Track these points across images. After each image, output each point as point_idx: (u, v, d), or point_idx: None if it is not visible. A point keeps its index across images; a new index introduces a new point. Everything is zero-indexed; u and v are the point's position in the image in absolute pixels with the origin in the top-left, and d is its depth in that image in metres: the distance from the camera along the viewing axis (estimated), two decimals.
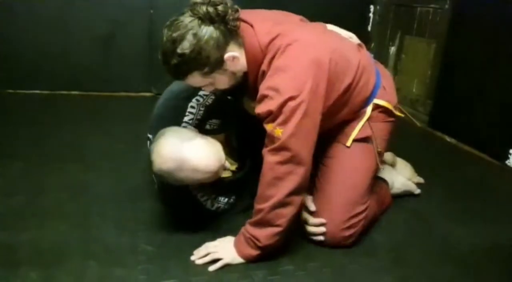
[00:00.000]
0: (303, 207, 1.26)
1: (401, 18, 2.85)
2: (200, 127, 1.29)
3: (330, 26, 1.36)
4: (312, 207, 1.26)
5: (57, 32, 2.62)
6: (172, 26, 1.05)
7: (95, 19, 2.65)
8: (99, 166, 1.72)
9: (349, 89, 1.20)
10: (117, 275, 1.08)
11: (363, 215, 1.24)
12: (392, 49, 2.93)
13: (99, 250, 1.18)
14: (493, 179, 1.91)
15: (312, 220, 1.25)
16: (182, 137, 1.13)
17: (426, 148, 2.20)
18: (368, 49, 3.22)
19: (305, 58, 1.09)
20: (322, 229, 1.23)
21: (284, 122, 1.06)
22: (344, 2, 3.00)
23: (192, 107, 1.29)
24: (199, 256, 1.16)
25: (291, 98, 1.05)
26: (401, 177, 1.60)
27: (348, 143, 1.26)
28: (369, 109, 1.26)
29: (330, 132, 1.29)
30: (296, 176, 1.09)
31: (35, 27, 2.58)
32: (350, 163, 1.26)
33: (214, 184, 1.27)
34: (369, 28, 3.12)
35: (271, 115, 1.07)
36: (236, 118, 1.35)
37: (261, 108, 1.09)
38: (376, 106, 1.27)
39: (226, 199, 1.36)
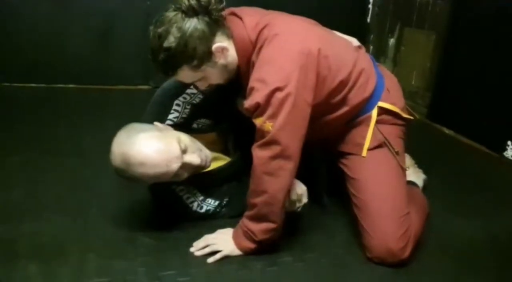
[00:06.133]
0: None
1: (401, 9, 2.83)
2: (187, 126, 1.27)
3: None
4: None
5: (54, 25, 2.60)
6: (158, 22, 1.06)
7: (92, 12, 2.63)
8: (97, 159, 1.71)
9: (344, 86, 1.17)
10: (116, 267, 1.09)
11: (408, 221, 1.17)
12: (392, 41, 2.91)
13: (98, 243, 1.18)
14: (492, 171, 1.91)
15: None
16: (130, 133, 1.10)
17: (425, 140, 2.20)
18: (367, 41, 3.18)
19: (292, 48, 1.07)
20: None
21: (274, 116, 1.03)
22: None
23: (178, 105, 1.26)
24: (198, 247, 1.17)
25: (278, 89, 1.03)
26: (421, 173, 1.59)
27: (364, 153, 1.22)
28: (374, 113, 1.22)
29: (340, 141, 1.26)
30: (286, 171, 1.07)
31: (32, 20, 2.56)
32: (375, 171, 1.21)
33: (199, 185, 1.24)
34: (368, 20, 3.10)
35: (259, 108, 1.05)
36: (230, 121, 1.31)
37: (248, 102, 1.07)
38: (382, 110, 1.23)
39: (218, 202, 1.31)
